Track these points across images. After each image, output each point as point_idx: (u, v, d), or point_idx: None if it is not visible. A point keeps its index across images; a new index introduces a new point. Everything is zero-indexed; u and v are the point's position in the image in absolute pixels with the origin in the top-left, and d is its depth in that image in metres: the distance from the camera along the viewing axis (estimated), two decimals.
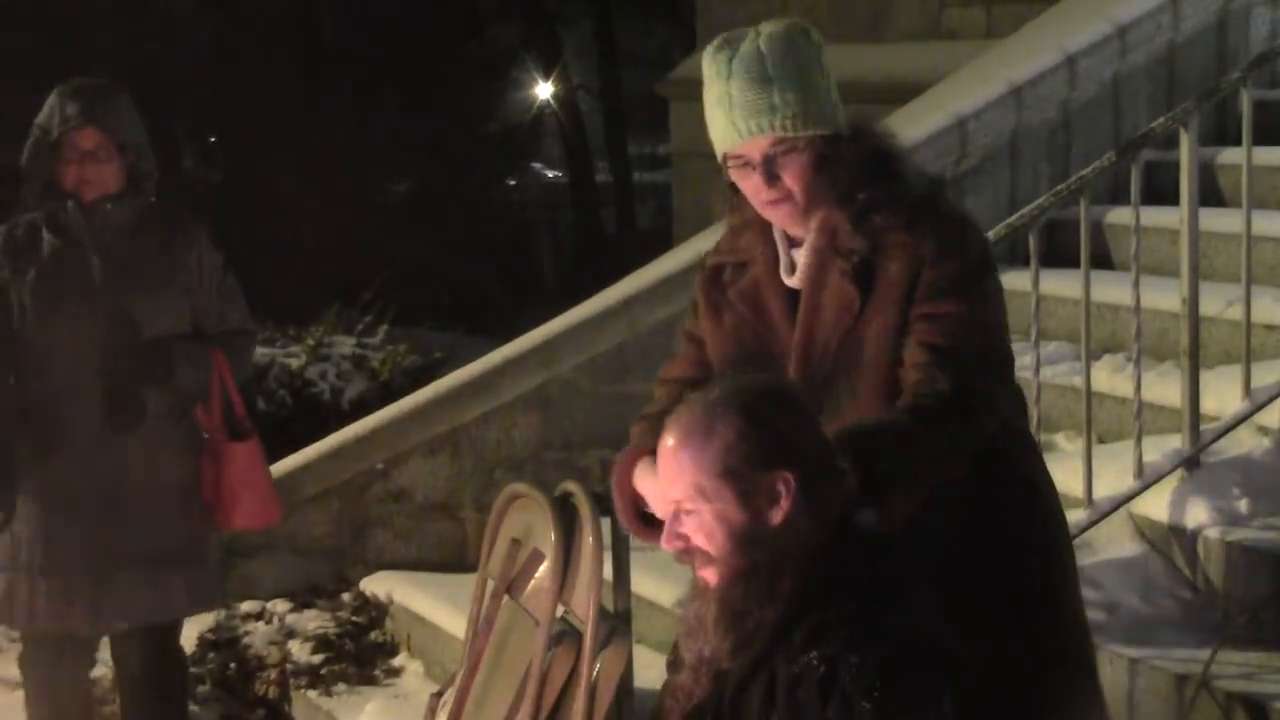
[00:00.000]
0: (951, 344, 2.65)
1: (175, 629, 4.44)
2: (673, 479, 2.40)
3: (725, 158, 2.79)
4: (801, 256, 2.79)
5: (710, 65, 2.76)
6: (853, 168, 2.73)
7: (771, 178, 2.74)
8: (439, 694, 3.55)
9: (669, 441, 2.41)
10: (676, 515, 2.41)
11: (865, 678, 2.19)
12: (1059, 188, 4.44)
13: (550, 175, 25.82)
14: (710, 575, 2.40)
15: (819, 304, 2.75)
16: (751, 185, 2.77)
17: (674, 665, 2.56)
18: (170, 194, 4.38)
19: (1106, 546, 4.27)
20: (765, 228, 2.84)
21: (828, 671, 2.21)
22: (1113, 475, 4.34)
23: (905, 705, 2.19)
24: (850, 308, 2.72)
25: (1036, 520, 2.85)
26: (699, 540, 2.39)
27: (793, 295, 2.80)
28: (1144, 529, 4.31)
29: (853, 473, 2.44)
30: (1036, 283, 4.33)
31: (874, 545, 2.41)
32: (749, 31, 2.77)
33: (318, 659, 5.44)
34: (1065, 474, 4.41)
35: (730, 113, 2.73)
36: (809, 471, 2.36)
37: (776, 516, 2.35)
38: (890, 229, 2.71)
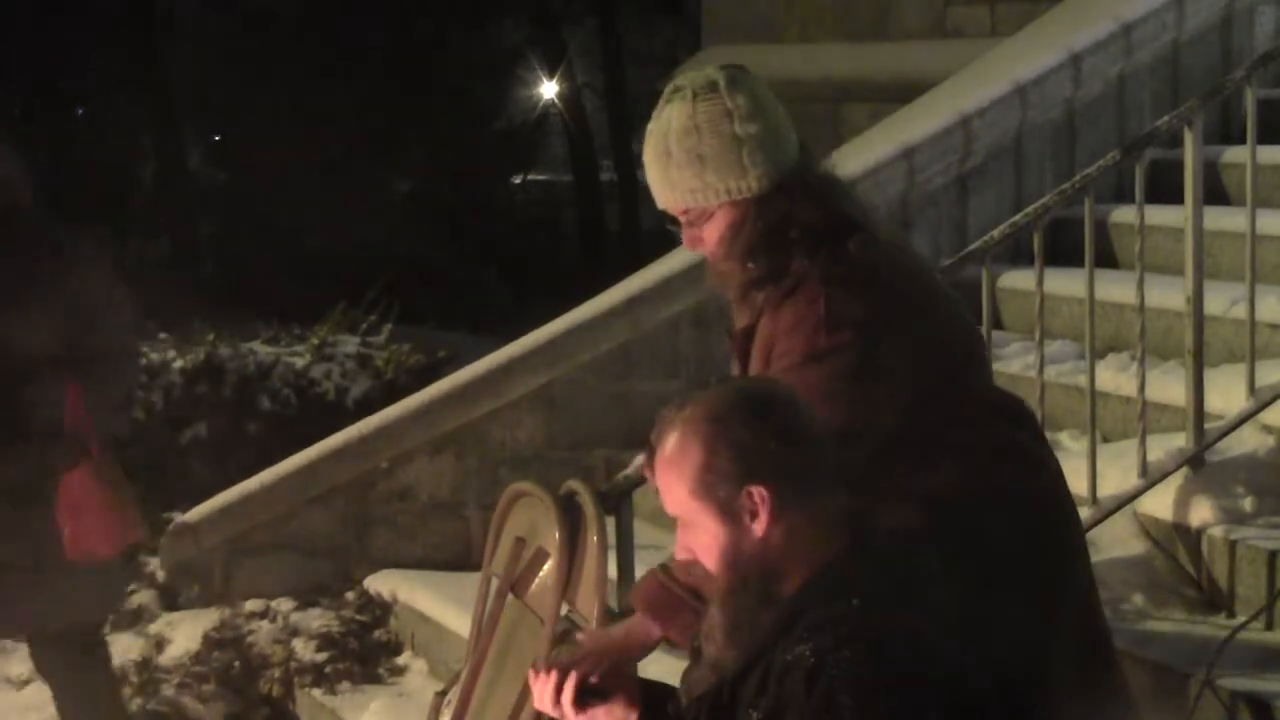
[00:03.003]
0: None
1: (94, 631, 4.49)
2: (665, 497, 2.43)
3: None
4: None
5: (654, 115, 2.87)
6: (752, 234, 2.79)
7: (692, 238, 2.86)
8: (443, 692, 3.55)
9: (656, 459, 2.43)
10: (683, 528, 2.43)
11: (851, 673, 2.18)
12: (1063, 186, 4.44)
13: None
14: (711, 587, 2.42)
15: (748, 348, 2.88)
16: (684, 239, 2.91)
17: (695, 653, 2.57)
18: (41, 207, 4.23)
19: (1111, 545, 4.27)
20: None
21: (817, 663, 2.20)
22: (1117, 474, 4.33)
23: (887, 707, 2.18)
24: (734, 370, 2.88)
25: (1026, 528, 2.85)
26: (699, 555, 2.41)
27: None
28: (1148, 528, 4.31)
29: None
30: (1041, 281, 4.33)
31: (889, 546, 2.40)
32: (684, 87, 2.82)
33: (322, 657, 5.44)
34: (1070, 473, 4.38)
35: (650, 180, 2.87)
36: (785, 481, 2.35)
37: (757, 530, 2.35)
38: (770, 302, 2.79)
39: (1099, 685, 2.86)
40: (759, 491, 2.34)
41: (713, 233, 2.83)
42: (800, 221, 2.78)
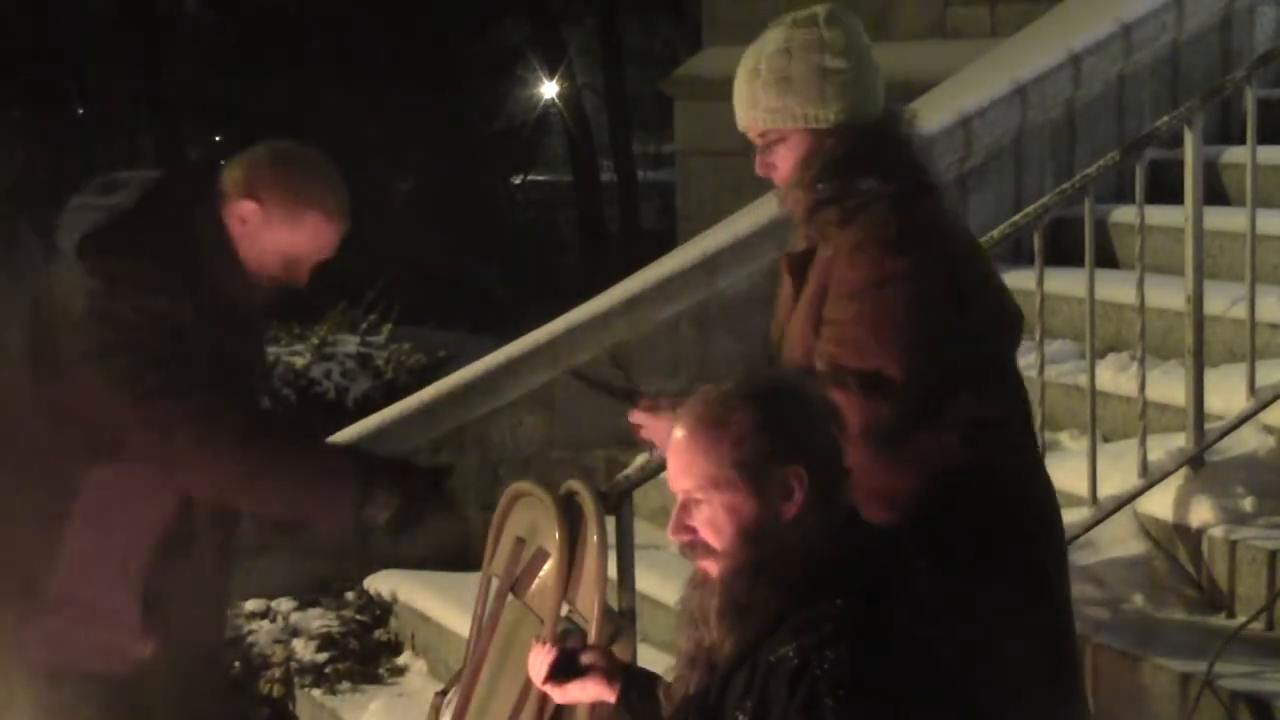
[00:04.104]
0: (839, 353, 2.73)
1: None
2: (684, 468, 2.40)
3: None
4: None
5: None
6: (827, 160, 2.83)
7: (764, 161, 2.93)
8: (443, 692, 3.55)
9: (680, 432, 2.41)
10: (685, 506, 2.41)
11: (835, 674, 2.18)
12: (1063, 186, 4.43)
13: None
14: (711, 567, 2.40)
15: (805, 277, 2.91)
16: (756, 162, 2.95)
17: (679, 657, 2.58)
18: None
19: (1111, 545, 4.27)
20: None
21: (800, 663, 2.20)
22: (1117, 474, 4.33)
23: (870, 708, 2.18)
24: (789, 297, 2.90)
25: (1011, 527, 2.84)
26: (706, 533, 2.39)
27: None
28: (1148, 528, 4.31)
29: None
30: (1041, 281, 4.33)
31: (876, 544, 2.41)
32: (788, 18, 2.93)
33: (322, 657, 5.44)
34: (1069, 473, 4.42)
35: (736, 98, 2.93)
36: (820, 468, 2.37)
37: (789, 511, 2.35)
38: (833, 223, 2.81)
39: (1065, 694, 2.87)
40: (797, 472, 2.35)
41: (785, 159, 2.89)
42: (874, 156, 2.82)
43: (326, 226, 3.36)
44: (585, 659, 2.71)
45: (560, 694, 2.76)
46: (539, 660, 2.75)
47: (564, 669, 2.71)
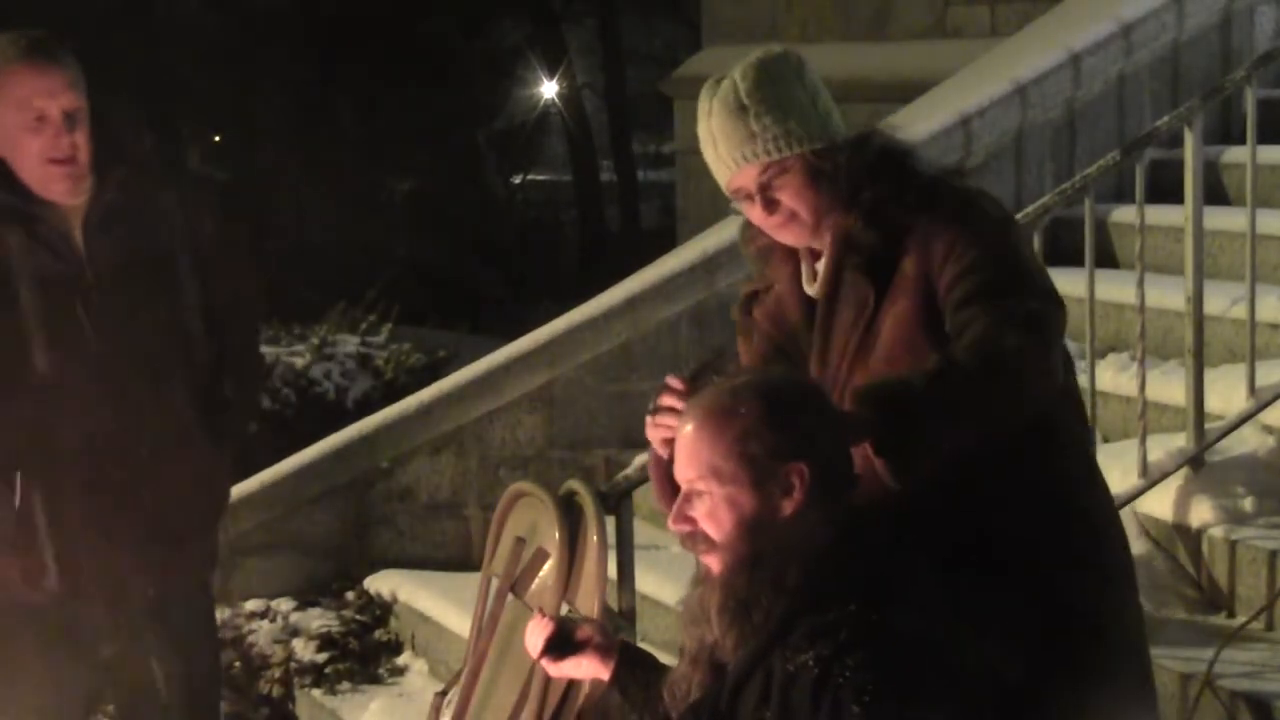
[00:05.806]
0: (985, 280, 2.60)
1: None
2: (689, 458, 2.41)
3: (731, 194, 2.81)
4: (821, 265, 2.79)
5: (699, 109, 2.80)
6: (854, 171, 2.73)
7: (769, 204, 2.75)
8: (443, 692, 3.55)
9: (688, 424, 2.42)
10: (687, 496, 2.42)
11: (858, 681, 2.17)
12: (1063, 186, 4.44)
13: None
14: (713, 562, 2.41)
15: (835, 308, 2.74)
16: (756, 215, 2.78)
17: (681, 655, 2.58)
18: None
19: None
20: (788, 247, 2.84)
21: (821, 673, 2.20)
22: (1117, 474, 4.32)
23: (897, 710, 2.18)
24: (865, 304, 2.69)
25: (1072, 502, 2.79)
26: (706, 524, 2.40)
27: (814, 305, 2.79)
28: (1148, 528, 4.31)
29: (873, 417, 2.40)
30: None
31: (880, 545, 2.40)
32: (733, 69, 2.80)
33: (322, 657, 5.44)
34: None
35: (716, 149, 2.77)
36: (824, 467, 2.37)
37: (788, 508, 2.35)
38: (901, 218, 2.68)
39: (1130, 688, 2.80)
40: (799, 469, 2.35)
41: (790, 189, 2.72)
42: (906, 151, 2.75)
43: (23, 68, 3.30)
44: (581, 634, 2.73)
45: (555, 669, 2.77)
46: (536, 634, 2.76)
47: (560, 644, 2.72)
